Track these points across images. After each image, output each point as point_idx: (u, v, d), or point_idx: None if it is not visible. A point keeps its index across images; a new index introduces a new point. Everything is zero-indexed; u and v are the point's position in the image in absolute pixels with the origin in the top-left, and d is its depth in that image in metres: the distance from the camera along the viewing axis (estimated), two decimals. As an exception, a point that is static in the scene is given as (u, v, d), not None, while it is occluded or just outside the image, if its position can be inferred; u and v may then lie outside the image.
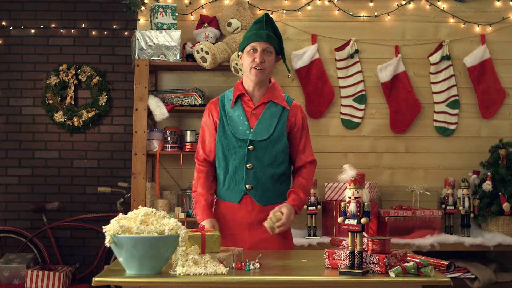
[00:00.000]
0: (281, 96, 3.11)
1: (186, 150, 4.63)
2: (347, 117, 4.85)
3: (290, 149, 3.12)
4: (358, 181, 2.30)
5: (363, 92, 4.85)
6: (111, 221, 2.29)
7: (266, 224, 2.93)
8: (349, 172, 2.33)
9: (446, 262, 2.61)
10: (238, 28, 4.68)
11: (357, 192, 2.30)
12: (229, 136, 3.05)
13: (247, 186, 3.03)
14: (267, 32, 3.03)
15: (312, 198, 4.45)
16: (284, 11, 4.85)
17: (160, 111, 4.54)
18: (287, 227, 2.98)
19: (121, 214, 2.37)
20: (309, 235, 4.45)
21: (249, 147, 3.02)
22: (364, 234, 2.36)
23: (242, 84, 3.13)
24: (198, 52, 4.50)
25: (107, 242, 2.23)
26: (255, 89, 3.09)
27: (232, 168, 3.04)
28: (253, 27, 3.08)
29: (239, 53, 3.12)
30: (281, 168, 3.07)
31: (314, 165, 3.17)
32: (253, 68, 3.02)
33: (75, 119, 5.47)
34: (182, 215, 4.48)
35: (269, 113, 3.06)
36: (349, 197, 2.31)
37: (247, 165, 3.02)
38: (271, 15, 3.27)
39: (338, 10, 4.86)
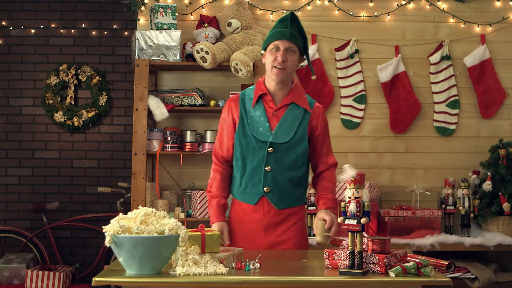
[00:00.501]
0: (303, 98, 3.04)
1: (186, 150, 4.63)
2: (347, 117, 4.85)
3: (310, 152, 3.06)
4: (358, 181, 2.30)
5: (363, 92, 4.85)
6: (111, 221, 2.29)
7: (319, 238, 2.86)
8: (349, 172, 2.33)
9: (446, 262, 2.61)
10: (238, 28, 4.67)
11: (357, 192, 2.30)
12: (248, 136, 2.99)
13: (265, 189, 2.97)
14: (291, 31, 2.95)
15: (312, 198, 4.44)
16: (284, 11, 4.85)
17: (160, 111, 4.54)
18: (337, 228, 2.90)
19: (121, 214, 2.37)
20: (309, 235, 4.45)
21: (268, 149, 2.96)
22: (364, 234, 2.36)
23: (264, 83, 3.06)
24: (198, 52, 4.50)
25: (107, 242, 2.23)
26: (277, 89, 3.02)
27: (250, 170, 2.99)
28: (277, 25, 3.00)
29: (262, 52, 3.05)
30: (300, 172, 3.02)
31: (336, 167, 3.11)
32: (274, 67, 2.95)
33: (75, 119, 5.48)
34: (182, 215, 4.48)
35: (291, 115, 3.00)
36: (349, 197, 2.31)
37: (266, 168, 2.96)
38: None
39: (338, 10, 4.86)
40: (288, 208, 3.02)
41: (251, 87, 3.12)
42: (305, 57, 3.07)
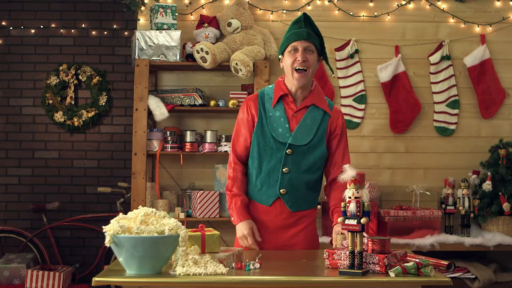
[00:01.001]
0: (323, 100, 3.01)
1: (186, 150, 4.62)
2: (347, 117, 4.85)
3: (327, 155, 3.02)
4: (358, 181, 2.30)
5: (363, 92, 4.85)
6: (111, 221, 2.29)
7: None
8: (349, 172, 2.33)
9: (446, 262, 2.61)
10: (238, 28, 4.67)
11: (357, 192, 2.30)
12: (267, 136, 2.96)
13: (281, 190, 2.95)
14: (307, 30, 2.92)
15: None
16: (284, 11, 4.85)
17: (160, 111, 4.54)
18: None
19: (121, 214, 2.37)
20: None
21: (287, 151, 2.93)
22: (364, 234, 2.36)
23: (285, 83, 3.01)
24: (198, 52, 4.50)
25: (107, 242, 2.23)
26: (298, 90, 2.98)
27: (267, 170, 2.96)
28: (292, 27, 2.97)
29: (280, 56, 3.01)
30: (316, 175, 2.99)
31: None
32: (295, 71, 2.91)
33: (75, 119, 5.47)
34: (182, 215, 4.48)
35: (310, 117, 2.97)
36: (349, 197, 2.31)
37: (284, 169, 2.93)
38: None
39: (338, 10, 4.86)
40: (302, 211, 3.00)
41: (270, 86, 3.07)
42: (322, 57, 3.03)
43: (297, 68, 2.92)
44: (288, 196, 2.96)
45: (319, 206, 4.50)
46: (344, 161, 2.97)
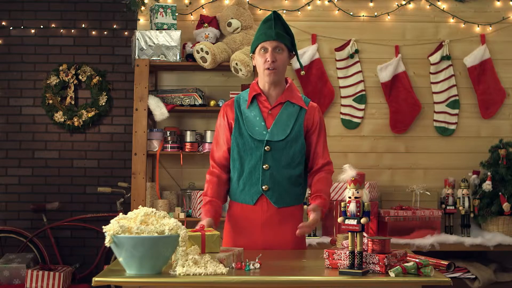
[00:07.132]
0: (298, 96, 3.06)
1: (186, 150, 4.63)
2: (347, 117, 4.85)
3: (306, 150, 3.06)
4: (358, 181, 2.30)
5: (363, 92, 4.85)
6: (111, 221, 2.29)
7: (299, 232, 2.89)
8: (349, 172, 2.33)
9: (446, 262, 2.61)
10: (238, 28, 4.68)
11: (357, 192, 2.30)
12: (245, 136, 3.00)
13: (263, 187, 2.97)
14: (276, 30, 2.98)
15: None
16: (284, 11, 4.85)
17: (160, 111, 4.54)
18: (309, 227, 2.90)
19: (121, 214, 2.37)
20: (309, 235, 4.45)
21: (265, 148, 2.97)
22: (364, 234, 2.36)
23: (258, 84, 3.08)
24: (198, 52, 4.50)
25: (107, 242, 2.23)
26: (271, 89, 3.04)
27: (248, 169, 2.99)
28: (262, 26, 3.02)
29: (251, 54, 3.07)
30: (298, 170, 3.02)
31: (331, 167, 3.08)
32: (266, 69, 2.98)
33: (75, 119, 5.48)
34: (182, 215, 4.48)
35: (286, 113, 3.02)
36: (349, 197, 2.31)
37: (264, 166, 2.96)
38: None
39: (338, 10, 4.87)
40: (287, 206, 3.01)
41: (245, 90, 3.13)
42: (294, 53, 3.08)
43: (267, 68, 2.98)
44: (271, 192, 2.98)
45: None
46: (325, 153, 3.06)
